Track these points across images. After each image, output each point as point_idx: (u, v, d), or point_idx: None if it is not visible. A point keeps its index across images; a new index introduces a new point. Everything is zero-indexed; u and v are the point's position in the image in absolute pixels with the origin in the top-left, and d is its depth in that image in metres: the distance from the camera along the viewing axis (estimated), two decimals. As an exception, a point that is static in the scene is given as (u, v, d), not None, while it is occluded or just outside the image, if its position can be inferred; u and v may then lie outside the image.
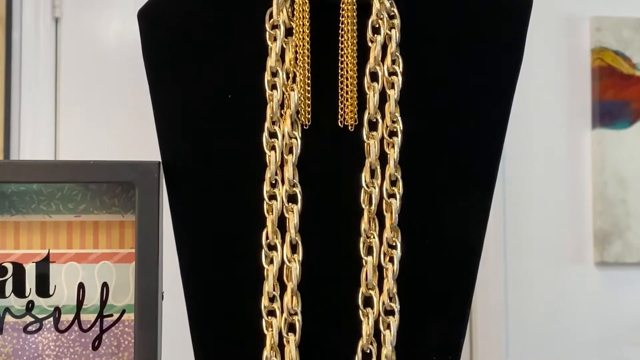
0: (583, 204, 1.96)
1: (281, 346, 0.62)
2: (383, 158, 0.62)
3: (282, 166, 0.63)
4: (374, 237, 0.62)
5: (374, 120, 0.63)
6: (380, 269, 0.62)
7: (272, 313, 0.62)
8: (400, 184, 0.62)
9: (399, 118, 0.62)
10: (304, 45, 0.62)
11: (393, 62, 0.63)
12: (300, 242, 0.62)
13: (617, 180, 1.94)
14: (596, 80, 1.93)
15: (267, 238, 0.63)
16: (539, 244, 1.96)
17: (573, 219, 1.96)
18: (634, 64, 1.91)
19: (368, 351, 0.62)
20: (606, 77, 1.91)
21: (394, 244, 0.62)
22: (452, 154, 0.63)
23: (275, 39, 0.63)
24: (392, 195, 0.62)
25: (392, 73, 0.63)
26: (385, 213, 0.62)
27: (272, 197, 0.63)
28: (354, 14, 0.62)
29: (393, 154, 0.62)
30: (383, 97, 0.63)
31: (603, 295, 1.96)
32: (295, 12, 0.63)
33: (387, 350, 0.61)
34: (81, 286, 0.68)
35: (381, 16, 0.63)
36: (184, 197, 0.65)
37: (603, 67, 1.90)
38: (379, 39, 0.63)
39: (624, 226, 1.93)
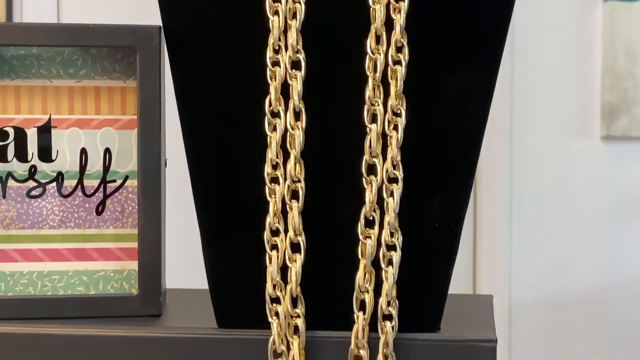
0: (592, 78, 1.95)
1: (284, 213, 0.62)
2: (389, 24, 0.61)
3: (285, 32, 0.61)
4: (378, 105, 0.61)
5: (380, -16, 0.61)
6: (384, 136, 0.62)
7: (275, 180, 0.62)
8: (406, 50, 0.61)
9: (406, -18, 0.60)
10: None
11: None
12: (303, 109, 0.62)
13: (627, 54, 1.92)
14: (610, -51, 1.88)
15: (270, 105, 0.62)
16: (546, 118, 1.96)
17: (581, 93, 1.95)
18: None
19: (371, 218, 0.62)
20: (621, -54, 1.86)
21: (399, 112, 0.61)
22: (459, 21, 0.62)
23: None
24: (397, 62, 0.61)
25: None
26: (390, 80, 0.61)
27: (275, 63, 0.62)
28: None
29: (399, 20, 0.61)
30: (390, -39, 0.61)
31: (608, 169, 1.97)
32: None
33: (390, 217, 0.61)
34: (83, 152, 0.68)
35: None
36: (185, 64, 0.64)
37: None
38: None
39: (632, 100, 1.92)
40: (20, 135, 0.67)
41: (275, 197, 0.62)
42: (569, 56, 1.94)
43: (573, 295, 1.97)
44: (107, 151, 0.68)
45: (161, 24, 0.64)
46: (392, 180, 0.62)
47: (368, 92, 0.61)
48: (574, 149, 1.96)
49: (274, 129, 0.62)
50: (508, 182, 1.95)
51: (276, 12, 0.61)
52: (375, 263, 0.62)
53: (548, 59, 1.94)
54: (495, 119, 1.90)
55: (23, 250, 0.68)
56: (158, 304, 0.68)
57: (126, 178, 0.68)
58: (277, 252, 0.62)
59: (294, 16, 0.61)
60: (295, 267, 0.62)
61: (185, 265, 1.12)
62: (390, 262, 0.62)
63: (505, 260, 1.96)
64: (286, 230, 0.62)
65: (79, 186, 0.68)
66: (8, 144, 0.67)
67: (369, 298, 0.62)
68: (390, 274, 0.61)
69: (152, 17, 0.70)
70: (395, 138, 0.61)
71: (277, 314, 0.62)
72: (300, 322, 0.62)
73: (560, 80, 1.95)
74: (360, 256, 0.62)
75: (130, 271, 0.69)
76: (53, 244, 0.68)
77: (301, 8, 0.61)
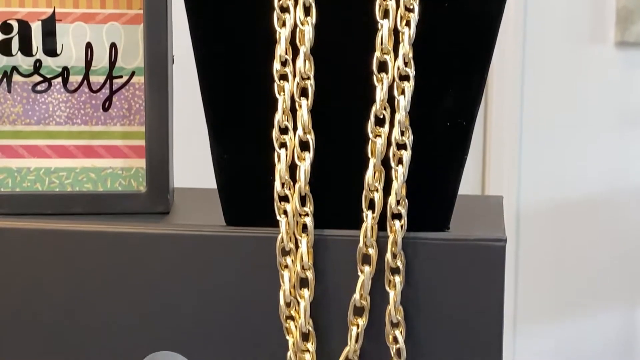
0: (608, -19, 1.91)
1: (293, 111, 0.61)
2: None
3: None
4: (390, 0, 0.60)
5: None
6: (396, 33, 0.60)
7: (284, 77, 0.61)
8: (420, -57, 0.59)
9: None
10: None
11: None
12: (313, 4, 0.60)
13: (645, -44, 1.88)
14: None
15: (279, -1, 0.60)
16: (559, 22, 1.93)
17: (596, -3, 1.92)
18: None
19: (381, 116, 0.61)
20: None
21: (411, 7, 0.60)
22: None
23: None
24: (410, -44, 0.59)
25: None
26: (402, -26, 0.60)
27: (285, -45, 0.60)
28: None
29: None
30: None
31: (622, 75, 1.94)
32: None
33: (401, 115, 0.60)
34: (89, 46, 0.67)
35: None
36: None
37: None
38: None
39: (648, 4, 1.88)
40: (25, 29, 0.66)
41: (284, 95, 0.61)
42: (586, -42, 1.90)
43: (582, 200, 1.97)
44: (113, 46, 0.67)
45: None
46: (404, 77, 0.60)
47: (380, -14, 0.60)
48: (587, 54, 1.93)
49: (283, 24, 0.61)
50: (519, 85, 1.93)
51: None
52: (385, 162, 0.61)
53: (564, -39, 1.90)
54: (509, 22, 1.87)
55: (30, 146, 0.68)
56: (166, 201, 0.67)
57: (132, 74, 0.67)
58: (286, 150, 0.61)
59: None
60: (304, 166, 0.61)
61: (193, 164, 1.12)
62: (400, 161, 0.61)
63: (515, 163, 1.96)
64: (295, 128, 0.61)
65: (85, 82, 0.67)
66: (12, 37, 0.66)
67: (378, 197, 0.61)
68: (400, 173, 0.61)
69: None
70: (407, 34, 0.60)
71: (285, 212, 0.62)
72: (308, 221, 0.62)
73: (575, -16, 1.91)
74: (369, 155, 0.61)
75: (138, 169, 0.68)
76: (60, 140, 0.68)
77: None
